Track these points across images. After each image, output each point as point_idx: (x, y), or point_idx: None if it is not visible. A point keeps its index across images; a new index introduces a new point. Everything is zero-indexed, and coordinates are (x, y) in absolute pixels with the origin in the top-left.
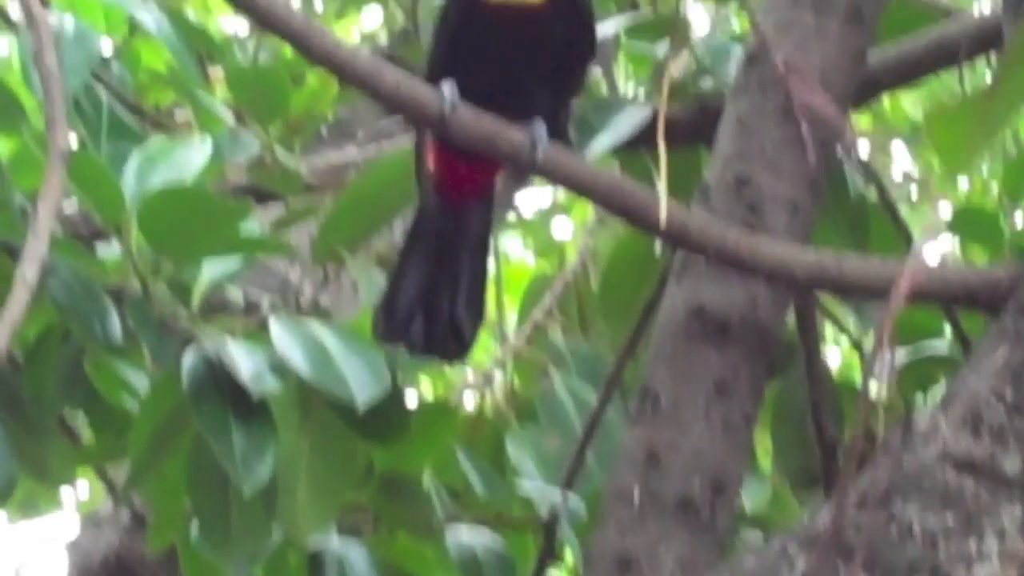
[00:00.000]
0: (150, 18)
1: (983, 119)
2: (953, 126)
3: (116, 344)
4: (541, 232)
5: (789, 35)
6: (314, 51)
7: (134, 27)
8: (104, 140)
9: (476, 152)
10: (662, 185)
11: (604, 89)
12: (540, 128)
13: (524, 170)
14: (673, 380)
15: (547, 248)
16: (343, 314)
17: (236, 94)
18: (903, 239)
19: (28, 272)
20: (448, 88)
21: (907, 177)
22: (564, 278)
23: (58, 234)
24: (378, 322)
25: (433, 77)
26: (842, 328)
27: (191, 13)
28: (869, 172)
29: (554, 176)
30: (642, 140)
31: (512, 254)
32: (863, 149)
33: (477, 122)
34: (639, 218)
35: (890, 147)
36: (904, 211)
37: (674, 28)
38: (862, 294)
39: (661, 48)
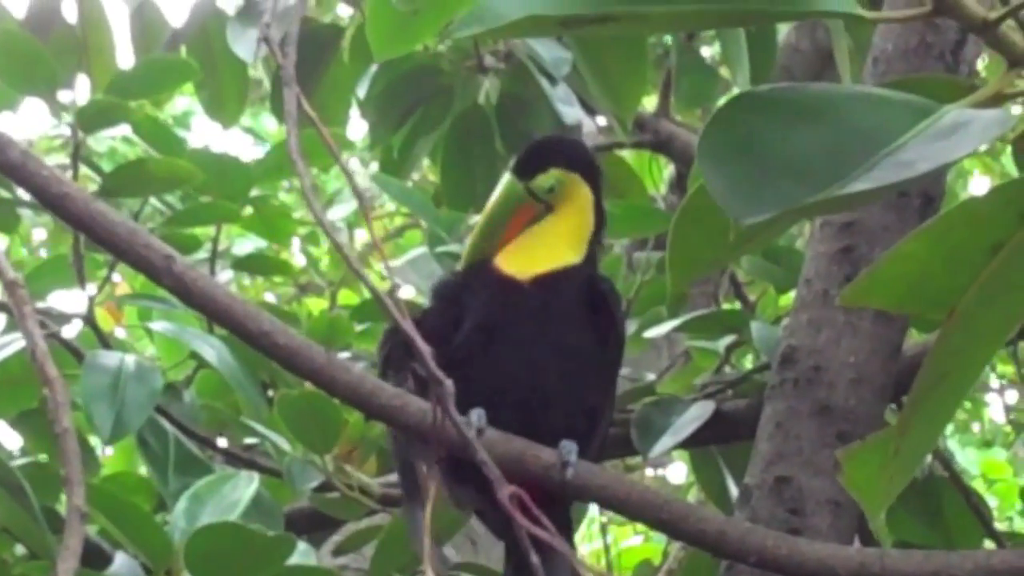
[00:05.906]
0: (211, 351)
1: (896, 456)
2: (866, 464)
3: None
4: None
5: (822, 332)
6: (338, 387)
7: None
8: (172, 475)
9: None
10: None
11: None
12: (570, 447)
13: (555, 489)
14: None
15: None
16: None
17: (287, 421)
18: (977, 517)
19: None
20: (476, 414)
21: None
22: (668, 565)
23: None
24: None
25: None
26: None
27: None
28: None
29: (585, 494)
30: (711, 436)
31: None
32: None
33: (504, 444)
34: (674, 530)
35: None
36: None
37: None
38: None
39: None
